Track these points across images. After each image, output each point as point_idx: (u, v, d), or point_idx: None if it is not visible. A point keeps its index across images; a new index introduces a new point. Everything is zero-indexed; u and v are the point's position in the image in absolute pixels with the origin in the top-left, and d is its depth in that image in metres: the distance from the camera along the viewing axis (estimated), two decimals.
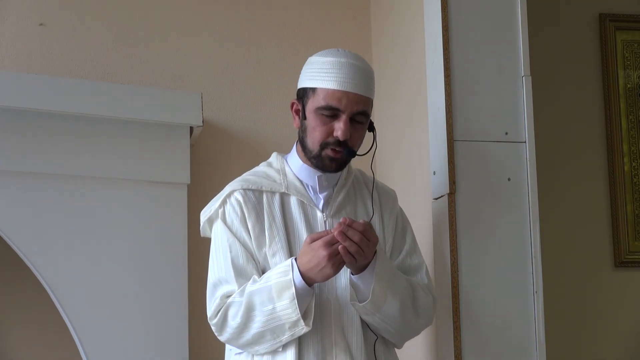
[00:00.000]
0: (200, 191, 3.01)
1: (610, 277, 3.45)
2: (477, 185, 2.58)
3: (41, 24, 3.11)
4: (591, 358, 3.39)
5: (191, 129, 2.96)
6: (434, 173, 2.64)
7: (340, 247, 2.06)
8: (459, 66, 2.62)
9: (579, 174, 3.48)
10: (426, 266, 2.36)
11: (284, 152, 2.38)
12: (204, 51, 3.24)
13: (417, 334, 2.34)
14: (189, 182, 2.94)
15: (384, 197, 2.37)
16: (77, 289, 2.73)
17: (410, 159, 2.92)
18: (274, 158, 2.35)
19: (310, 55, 2.28)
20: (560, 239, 3.39)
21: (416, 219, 2.76)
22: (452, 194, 2.56)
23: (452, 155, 2.57)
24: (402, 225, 2.37)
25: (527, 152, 2.61)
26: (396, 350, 2.33)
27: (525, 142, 2.62)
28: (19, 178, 2.73)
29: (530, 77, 2.64)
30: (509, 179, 2.60)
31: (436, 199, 2.63)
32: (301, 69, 2.30)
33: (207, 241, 2.38)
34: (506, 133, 2.62)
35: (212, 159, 3.17)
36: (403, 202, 2.45)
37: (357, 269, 2.13)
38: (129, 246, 2.83)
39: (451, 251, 2.53)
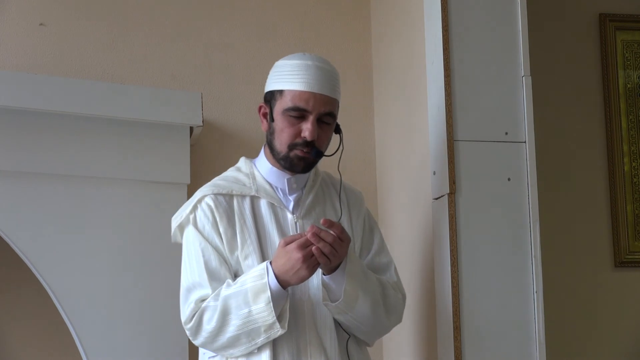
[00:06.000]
0: None
1: (610, 277, 3.45)
2: (477, 185, 2.58)
3: (41, 24, 3.11)
4: (591, 358, 3.39)
5: (191, 129, 2.96)
6: (434, 173, 2.64)
7: (314, 248, 2.08)
8: (459, 66, 2.62)
9: (578, 174, 3.48)
10: (395, 264, 2.38)
11: None
12: (204, 51, 3.24)
13: (388, 331, 2.36)
14: (189, 182, 2.94)
15: (352, 198, 2.41)
16: (77, 289, 2.73)
17: (410, 159, 2.92)
18: (242, 162, 2.38)
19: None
20: (560, 239, 3.39)
21: (416, 219, 2.76)
22: (452, 194, 2.56)
23: (452, 155, 2.57)
24: (369, 225, 2.41)
25: (527, 152, 2.62)
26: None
27: (525, 142, 2.62)
28: (19, 178, 2.73)
29: (530, 77, 2.64)
30: (509, 179, 2.60)
31: (436, 199, 2.63)
32: None
33: None
34: (506, 133, 2.62)
35: (212, 159, 3.16)
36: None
37: (329, 270, 2.15)
38: (129, 246, 2.83)
39: (451, 251, 2.53)
